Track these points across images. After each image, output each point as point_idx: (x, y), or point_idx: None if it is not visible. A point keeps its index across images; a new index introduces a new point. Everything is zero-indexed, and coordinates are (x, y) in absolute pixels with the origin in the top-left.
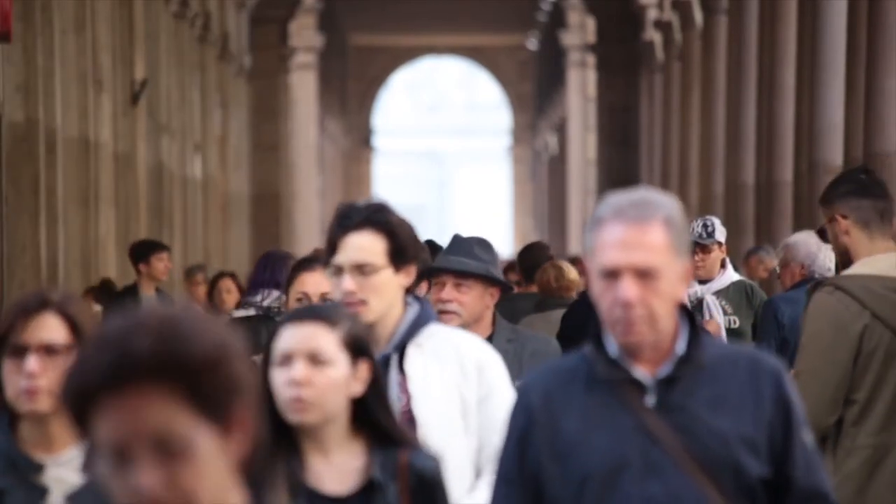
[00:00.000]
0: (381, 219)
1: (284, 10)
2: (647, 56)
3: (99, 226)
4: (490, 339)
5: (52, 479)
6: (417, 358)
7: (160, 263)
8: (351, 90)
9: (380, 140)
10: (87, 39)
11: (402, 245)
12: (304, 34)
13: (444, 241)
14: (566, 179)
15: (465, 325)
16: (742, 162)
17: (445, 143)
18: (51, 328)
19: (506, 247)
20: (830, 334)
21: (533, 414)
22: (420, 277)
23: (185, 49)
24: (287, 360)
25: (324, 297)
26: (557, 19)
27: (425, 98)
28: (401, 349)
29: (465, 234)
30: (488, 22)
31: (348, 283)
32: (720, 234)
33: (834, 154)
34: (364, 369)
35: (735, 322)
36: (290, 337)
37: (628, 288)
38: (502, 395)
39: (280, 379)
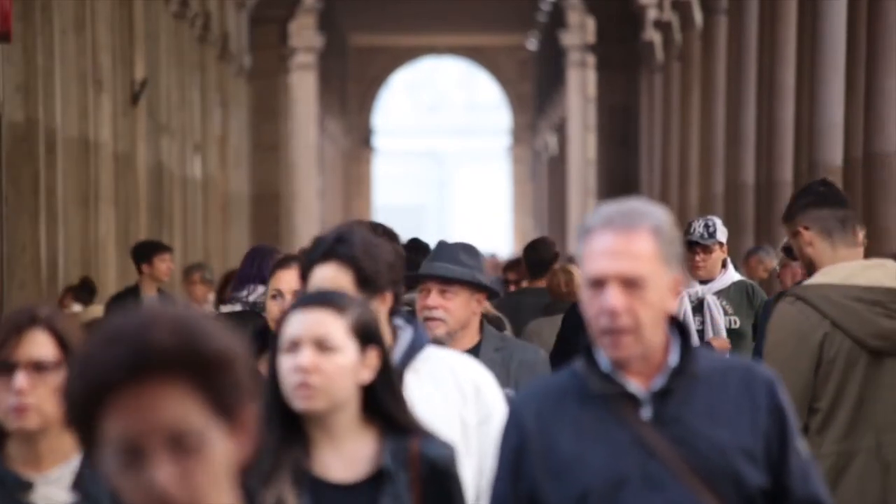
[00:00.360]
0: (344, 250)
1: (284, 10)
2: (647, 56)
3: (99, 226)
4: (478, 346)
5: (41, 498)
6: (416, 383)
7: (163, 264)
8: (351, 90)
9: (380, 140)
10: (86, 39)
11: (370, 274)
12: (304, 34)
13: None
14: (566, 179)
15: (452, 332)
16: (742, 162)
17: (445, 143)
18: (39, 344)
19: (506, 247)
20: (792, 344)
21: (525, 433)
22: (409, 287)
23: (185, 49)
24: (294, 346)
25: (297, 294)
26: (557, 19)
27: (425, 98)
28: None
29: (456, 239)
30: (488, 22)
31: None
32: (721, 234)
33: (834, 154)
34: (373, 356)
35: (735, 322)
36: (298, 323)
37: (614, 296)
38: (501, 417)
39: (287, 365)
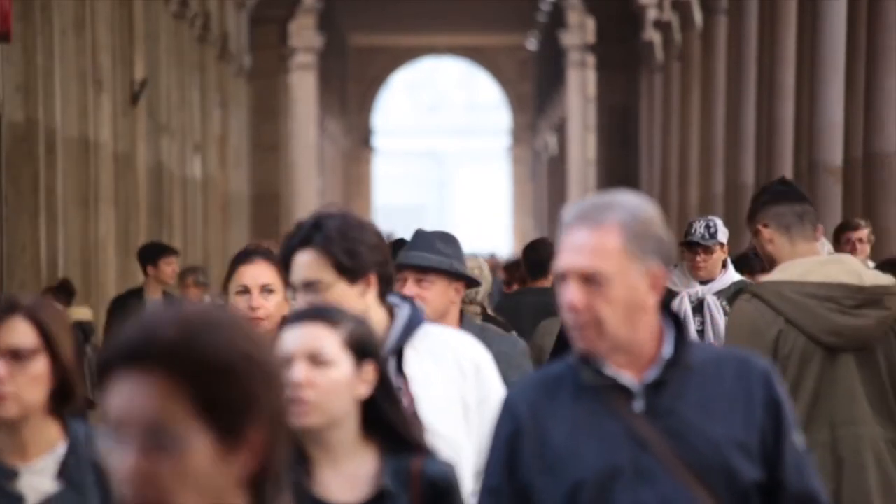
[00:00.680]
0: (318, 235)
1: (284, 10)
2: (646, 56)
3: (99, 226)
4: None
5: (27, 487)
6: (415, 360)
7: (168, 267)
8: (351, 90)
9: (380, 140)
10: (86, 39)
11: (348, 258)
12: (304, 34)
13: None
14: (566, 179)
15: (430, 321)
16: (742, 162)
17: (445, 143)
18: (19, 333)
19: (506, 247)
20: (748, 341)
21: (520, 424)
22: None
23: (184, 49)
24: (287, 362)
25: (264, 287)
26: (557, 19)
27: (425, 98)
28: (397, 352)
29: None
30: (488, 22)
31: (301, 300)
32: (722, 234)
33: (834, 154)
34: (369, 371)
35: None
36: (291, 338)
37: (571, 292)
38: (498, 398)
39: None
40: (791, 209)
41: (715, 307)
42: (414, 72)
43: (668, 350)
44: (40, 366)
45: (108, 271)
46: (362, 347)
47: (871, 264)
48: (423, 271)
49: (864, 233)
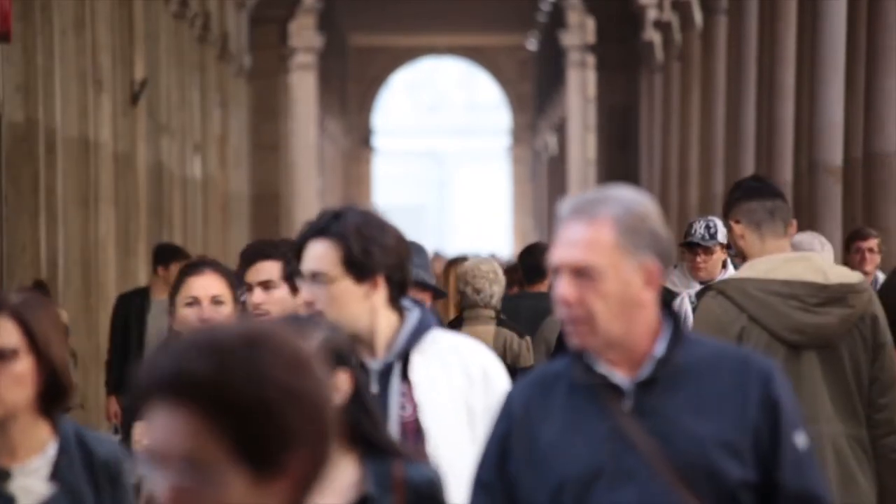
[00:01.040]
0: (336, 227)
1: (284, 10)
2: (646, 56)
3: (99, 226)
4: None
5: (19, 488)
6: (422, 365)
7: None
8: (351, 90)
9: (380, 140)
10: (86, 39)
11: (358, 254)
12: (304, 34)
13: (442, 241)
14: (566, 179)
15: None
16: (742, 162)
17: (445, 143)
18: (2, 332)
19: (506, 247)
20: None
21: (513, 421)
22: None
23: (184, 49)
24: None
25: (213, 299)
26: (557, 19)
27: (425, 98)
28: (403, 357)
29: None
30: (488, 22)
31: (305, 292)
32: (722, 235)
33: (834, 154)
34: (343, 379)
35: None
36: None
37: (563, 286)
38: None
39: None
40: (762, 206)
41: None
42: (414, 72)
43: (660, 349)
44: (24, 365)
45: (108, 271)
46: (336, 356)
47: (881, 275)
48: None
49: (875, 242)
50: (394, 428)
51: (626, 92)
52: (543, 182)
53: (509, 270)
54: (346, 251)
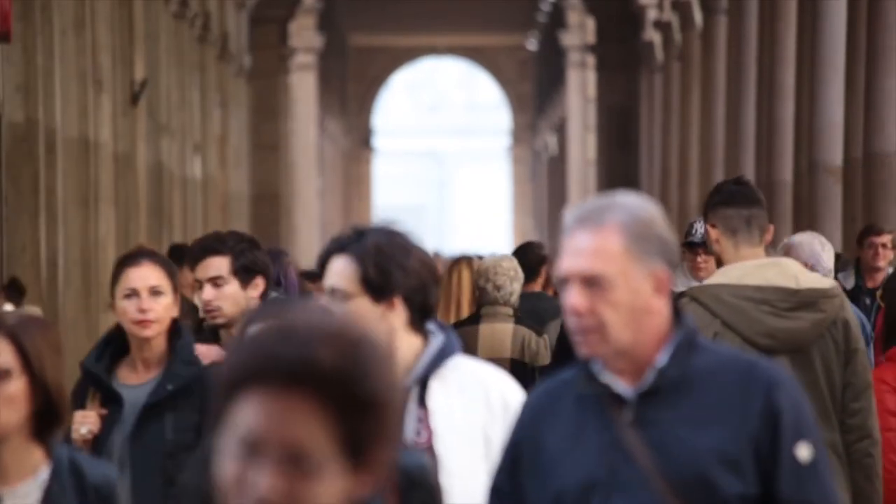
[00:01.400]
0: (356, 245)
1: (284, 10)
2: (646, 56)
3: (99, 226)
4: None
5: None
6: (441, 392)
7: (190, 274)
8: (351, 90)
9: (380, 140)
10: (86, 39)
11: (377, 274)
12: (304, 34)
13: (443, 241)
14: (566, 179)
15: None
16: (742, 162)
17: (445, 143)
18: None
19: (506, 247)
20: None
21: (523, 430)
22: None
23: (184, 49)
24: None
25: (152, 290)
26: (557, 19)
27: (425, 98)
28: (422, 382)
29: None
30: (488, 22)
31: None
32: None
33: (834, 154)
34: None
35: None
36: None
37: (573, 296)
38: None
39: None
40: (738, 213)
41: None
42: (414, 72)
43: (663, 358)
44: (16, 386)
45: (108, 271)
46: None
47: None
48: None
49: (888, 238)
50: None
51: (626, 92)
52: (543, 182)
53: None
54: (363, 269)
